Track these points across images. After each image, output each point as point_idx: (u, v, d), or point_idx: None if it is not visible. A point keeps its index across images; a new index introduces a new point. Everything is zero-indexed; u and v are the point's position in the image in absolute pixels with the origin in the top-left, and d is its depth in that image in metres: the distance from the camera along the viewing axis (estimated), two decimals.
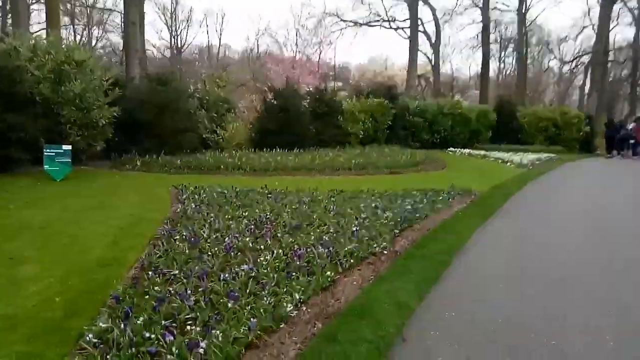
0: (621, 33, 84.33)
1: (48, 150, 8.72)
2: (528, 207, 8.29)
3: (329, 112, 17.11)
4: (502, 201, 8.46)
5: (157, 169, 10.50)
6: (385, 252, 4.86)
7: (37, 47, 9.58)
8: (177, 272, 3.86)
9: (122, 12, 20.69)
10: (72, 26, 35.85)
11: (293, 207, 6.57)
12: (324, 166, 11.41)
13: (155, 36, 52.61)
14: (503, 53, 50.88)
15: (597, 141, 24.19)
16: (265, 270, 3.92)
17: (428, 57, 36.14)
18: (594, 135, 23.41)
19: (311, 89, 18.14)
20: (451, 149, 19.74)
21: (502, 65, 52.69)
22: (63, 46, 9.89)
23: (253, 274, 3.82)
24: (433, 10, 33.12)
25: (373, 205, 6.92)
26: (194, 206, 6.33)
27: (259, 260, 4.20)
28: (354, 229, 5.36)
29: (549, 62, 46.42)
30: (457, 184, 9.63)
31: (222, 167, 10.68)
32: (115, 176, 9.80)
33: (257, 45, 50.42)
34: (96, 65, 10.49)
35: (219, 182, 9.15)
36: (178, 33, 53.94)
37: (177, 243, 4.68)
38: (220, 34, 55.71)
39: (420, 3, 31.09)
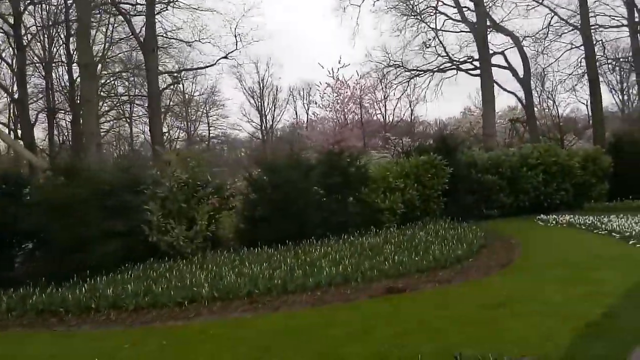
0: None
1: None
2: None
3: (346, 183, 12.41)
4: None
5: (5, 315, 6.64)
6: None
7: None
8: None
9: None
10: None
11: None
12: (268, 288, 6.69)
13: (244, 119, 53.27)
14: (625, 83, 42.02)
15: None
16: None
17: (517, 97, 29.76)
18: None
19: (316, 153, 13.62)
20: (542, 216, 13.55)
21: (625, 97, 43.52)
22: None
23: None
24: (515, 39, 27.22)
25: None
26: None
27: None
28: None
29: None
30: (503, 324, 4.50)
31: (93, 306, 6.50)
32: None
33: (344, 113, 48.38)
34: None
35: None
36: (265, 113, 54.44)
37: None
38: (308, 108, 54.16)
39: (494, 32, 25.59)
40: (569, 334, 4.46)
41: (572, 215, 12.70)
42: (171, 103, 40.26)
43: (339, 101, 22.05)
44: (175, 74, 24.75)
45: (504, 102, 70.73)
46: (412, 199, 13.30)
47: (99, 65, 30.70)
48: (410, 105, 44.43)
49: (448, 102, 74.46)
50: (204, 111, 49.55)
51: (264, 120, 54.69)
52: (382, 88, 31.09)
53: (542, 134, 32.50)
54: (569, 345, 4.18)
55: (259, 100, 54.50)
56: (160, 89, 23.03)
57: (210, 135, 50.54)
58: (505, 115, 39.91)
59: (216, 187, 12.50)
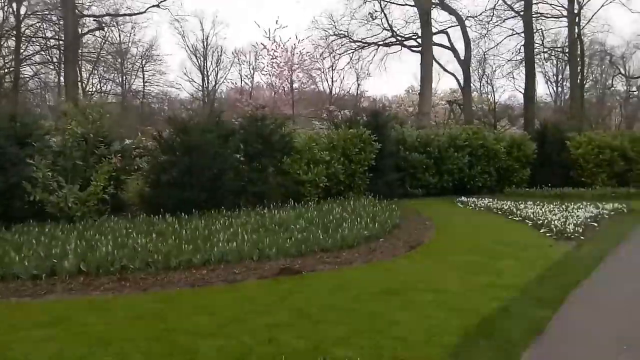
0: None
1: None
2: None
3: (268, 152, 11.66)
4: None
5: None
6: None
7: None
8: None
9: None
10: None
11: None
12: (147, 264, 5.89)
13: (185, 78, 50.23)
14: (560, 75, 43.67)
15: None
16: None
17: (457, 79, 29.94)
18: None
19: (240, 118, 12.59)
20: (462, 198, 13.56)
21: (559, 89, 45.36)
22: None
23: None
24: (459, 18, 27.09)
25: None
26: None
27: None
28: None
29: (612, 78, 38.62)
30: (392, 316, 4.03)
31: None
32: None
33: (288, 80, 46.77)
34: None
35: None
36: (208, 74, 51.63)
37: None
38: (253, 73, 51.45)
39: (439, 9, 25.22)
40: (459, 331, 4.07)
41: (491, 200, 12.75)
42: (102, 52, 37.16)
43: (275, 65, 20.97)
44: (99, 19, 22.45)
45: (447, 84, 72.34)
46: (337, 172, 12.81)
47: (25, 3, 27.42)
48: (357, 80, 44.13)
49: (396, 79, 75.03)
50: (140, 65, 46.43)
51: (206, 81, 52.10)
52: (329, 56, 30.07)
53: (477, 117, 33.24)
54: (454, 347, 3.76)
55: (202, 60, 51.72)
56: (81, 33, 20.82)
57: (146, 91, 47.57)
58: (446, 97, 40.51)
59: (123, 145, 11.37)
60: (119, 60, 42.71)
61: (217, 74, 52.37)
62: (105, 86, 43.98)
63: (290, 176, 11.91)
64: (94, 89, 40.55)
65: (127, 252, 6.20)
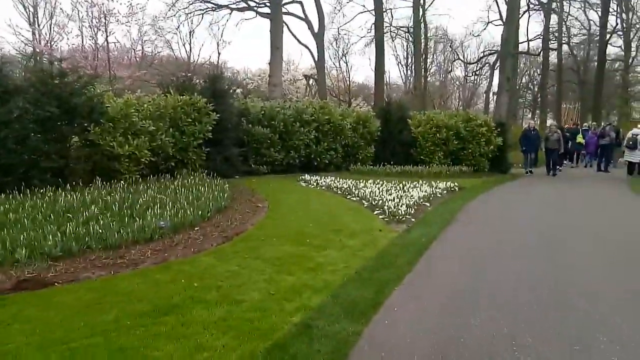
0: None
1: None
2: None
3: (69, 118, 9.39)
4: None
5: None
6: None
7: None
8: None
9: None
10: None
11: None
12: None
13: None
14: (410, 58, 46.31)
15: (511, 156, 18.78)
16: None
17: (311, 52, 29.46)
18: (507, 149, 17.82)
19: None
20: (305, 176, 12.84)
21: (409, 72, 48.17)
22: None
23: None
24: None
25: None
26: None
27: None
28: None
29: (452, 64, 42.15)
30: (147, 352, 2.58)
31: None
32: None
33: (142, 42, 41.63)
34: None
35: None
36: (40, 28, 43.44)
37: None
38: (105, 31, 44.37)
39: None
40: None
41: (334, 178, 12.20)
42: None
43: (92, 16, 17.88)
44: None
45: (310, 59, 72.68)
46: (164, 146, 11.04)
47: None
48: (217, 48, 42.14)
49: (263, 53, 73.31)
50: None
51: (38, 36, 44.13)
52: (174, 15, 27.11)
53: (335, 95, 33.40)
54: None
55: (32, 11, 43.57)
56: None
57: None
58: (307, 72, 40.12)
59: None
60: None
61: (51, 29, 44.72)
62: None
63: (100, 149, 9.81)
64: None
65: None
